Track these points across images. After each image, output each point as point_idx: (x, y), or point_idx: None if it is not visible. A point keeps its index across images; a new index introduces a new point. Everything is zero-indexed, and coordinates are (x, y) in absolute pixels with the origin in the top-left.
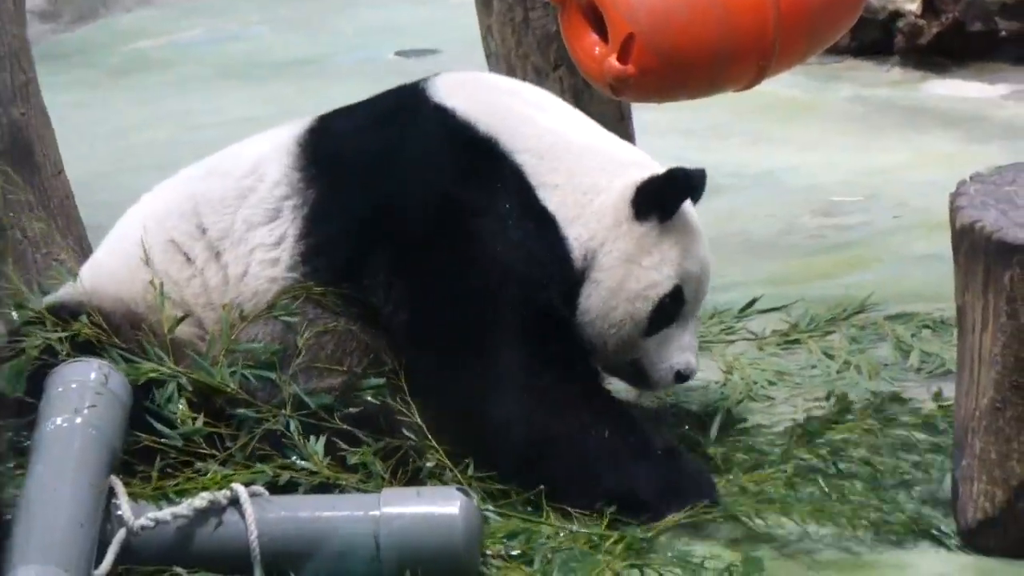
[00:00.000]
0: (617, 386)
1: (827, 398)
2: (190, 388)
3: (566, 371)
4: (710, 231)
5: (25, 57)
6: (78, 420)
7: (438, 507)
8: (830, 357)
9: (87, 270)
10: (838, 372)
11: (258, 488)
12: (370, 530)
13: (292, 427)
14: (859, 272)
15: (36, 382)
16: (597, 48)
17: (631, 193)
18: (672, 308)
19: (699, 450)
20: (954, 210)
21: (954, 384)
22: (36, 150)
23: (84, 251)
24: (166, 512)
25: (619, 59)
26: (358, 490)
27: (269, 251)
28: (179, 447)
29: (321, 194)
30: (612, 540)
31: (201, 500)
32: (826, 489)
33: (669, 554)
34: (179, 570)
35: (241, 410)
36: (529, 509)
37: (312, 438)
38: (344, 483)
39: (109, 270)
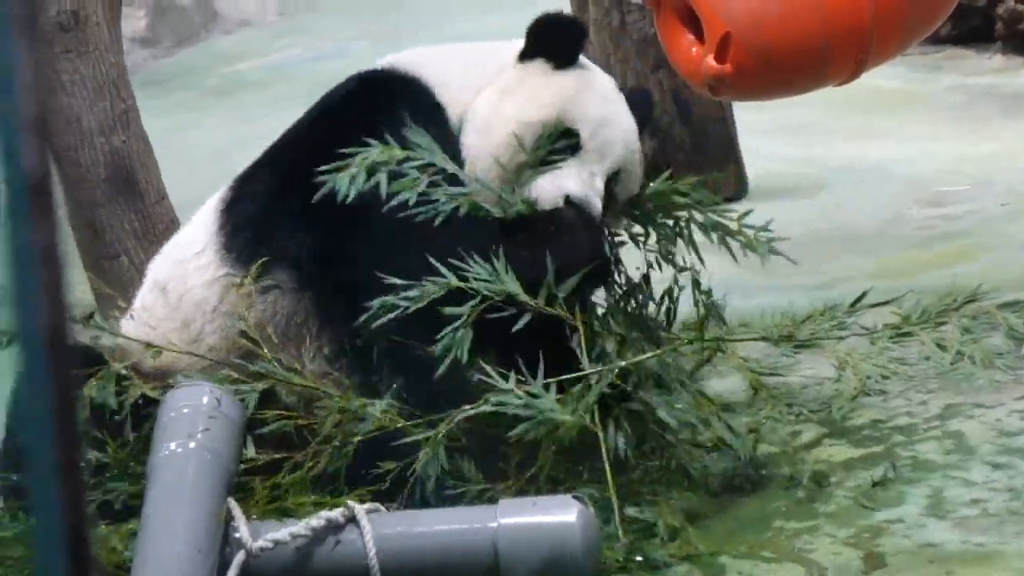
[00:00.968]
0: None
1: None
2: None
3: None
4: (818, 225)
5: (124, 85)
6: (192, 445)
7: (555, 516)
8: (943, 349)
9: None
10: (952, 364)
11: (374, 504)
12: (489, 543)
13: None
14: (968, 261)
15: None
16: (694, 49)
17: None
18: (562, 147)
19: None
20: None
21: None
22: (139, 177)
23: None
24: (284, 533)
25: (716, 59)
26: (470, 501)
27: (199, 262)
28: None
29: (236, 187)
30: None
31: (319, 519)
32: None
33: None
34: None
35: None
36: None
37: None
38: (461, 489)
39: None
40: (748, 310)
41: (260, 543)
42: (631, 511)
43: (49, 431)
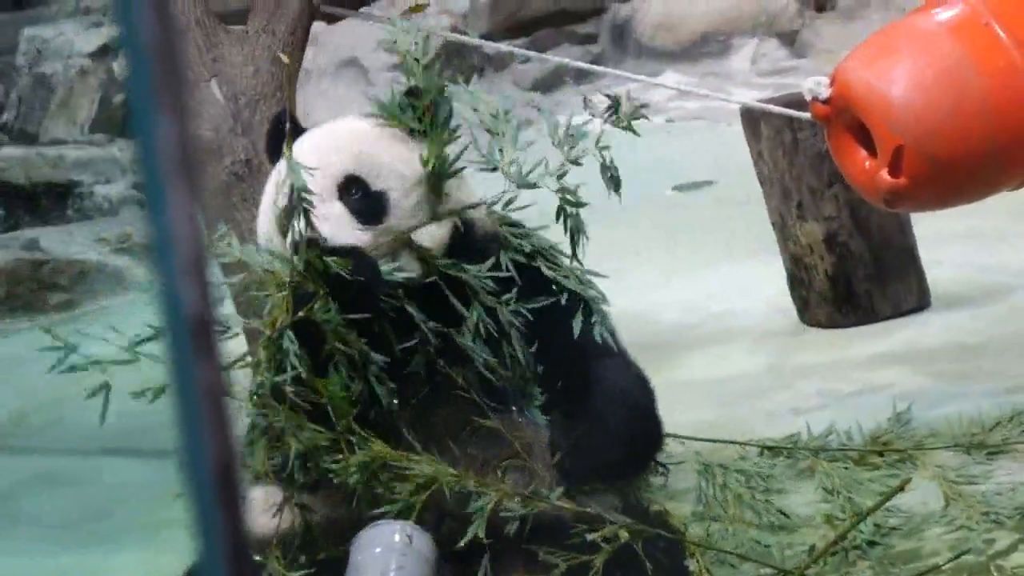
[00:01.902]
0: None
1: None
2: None
3: None
4: (1003, 331)
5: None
6: None
7: None
8: None
9: None
10: None
11: None
12: None
13: None
14: None
15: None
16: (867, 163)
17: None
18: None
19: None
20: None
21: None
22: None
23: None
24: None
25: (890, 172)
26: None
27: None
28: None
29: None
30: None
31: None
32: None
33: None
34: None
35: None
36: None
37: None
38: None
39: None
40: (936, 419)
41: None
42: None
43: (221, 571)
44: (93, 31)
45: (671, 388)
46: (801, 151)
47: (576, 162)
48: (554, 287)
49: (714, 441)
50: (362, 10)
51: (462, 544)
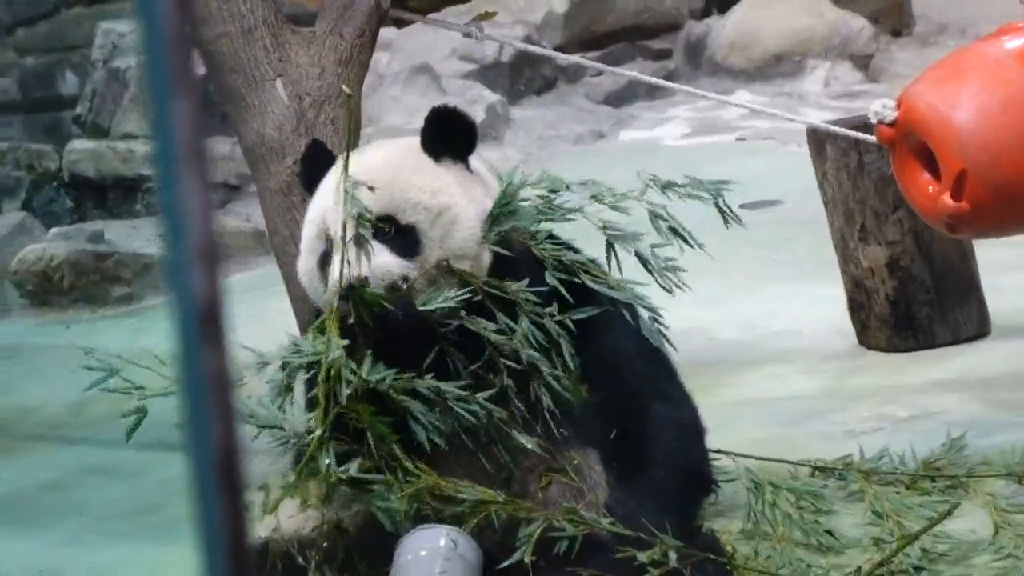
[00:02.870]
0: None
1: None
2: None
3: None
4: None
5: None
6: None
7: None
8: None
9: None
10: None
11: None
12: None
13: None
14: None
15: None
16: (930, 187)
17: None
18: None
19: None
20: None
21: None
22: None
23: None
24: None
25: (953, 197)
26: None
27: None
28: None
29: None
30: None
31: None
32: None
33: None
34: None
35: None
36: None
37: None
38: None
39: None
40: (990, 448)
41: None
42: None
43: (221, 562)
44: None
45: (727, 406)
46: (866, 174)
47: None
48: (602, 299)
49: (766, 459)
50: (432, 16)
51: (505, 565)
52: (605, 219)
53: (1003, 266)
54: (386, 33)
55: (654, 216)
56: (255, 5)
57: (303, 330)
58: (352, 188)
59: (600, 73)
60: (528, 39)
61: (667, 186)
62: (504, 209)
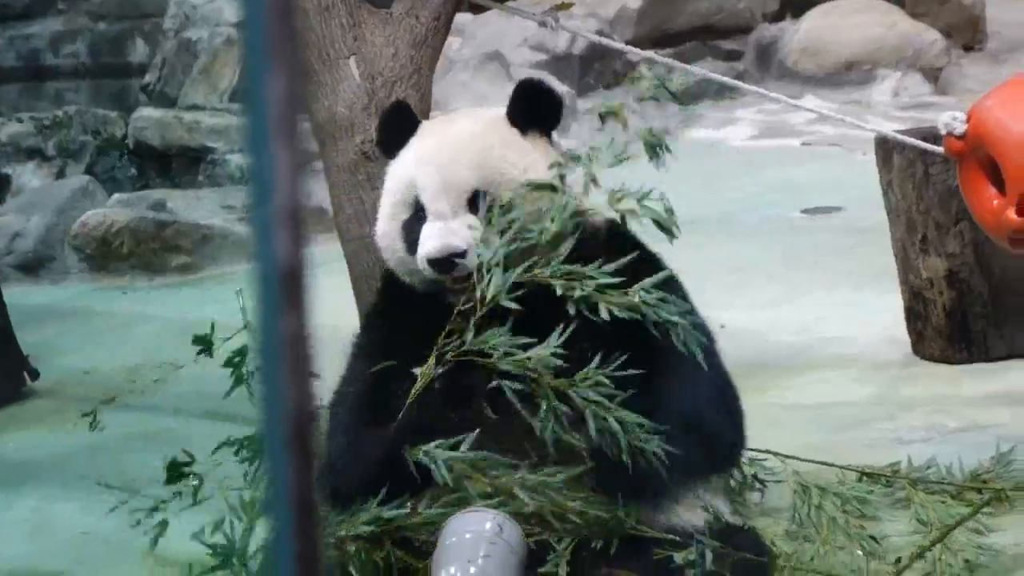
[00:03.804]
0: None
1: None
2: None
3: None
4: None
5: None
6: (472, 570)
7: None
8: None
9: None
10: None
11: None
12: None
13: None
14: None
15: None
16: (995, 201)
17: None
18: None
19: None
20: None
21: None
22: None
23: None
24: None
25: (1017, 212)
26: None
27: None
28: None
29: None
30: None
31: None
32: None
33: None
34: None
35: None
36: None
37: None
38: None
39: None
40: None
41: None
42: None
43: (289, 529)
44: (236, 4)
45: (778, 408)
46: (931, 185)
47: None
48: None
49: (814, 462)
50: (509, 3)
51: (540, 572)
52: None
53: None
54: (459, 18)
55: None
56: None
57: (362, 311)
58: (448, 158)
59: (671, 70)
60: (600, 33)
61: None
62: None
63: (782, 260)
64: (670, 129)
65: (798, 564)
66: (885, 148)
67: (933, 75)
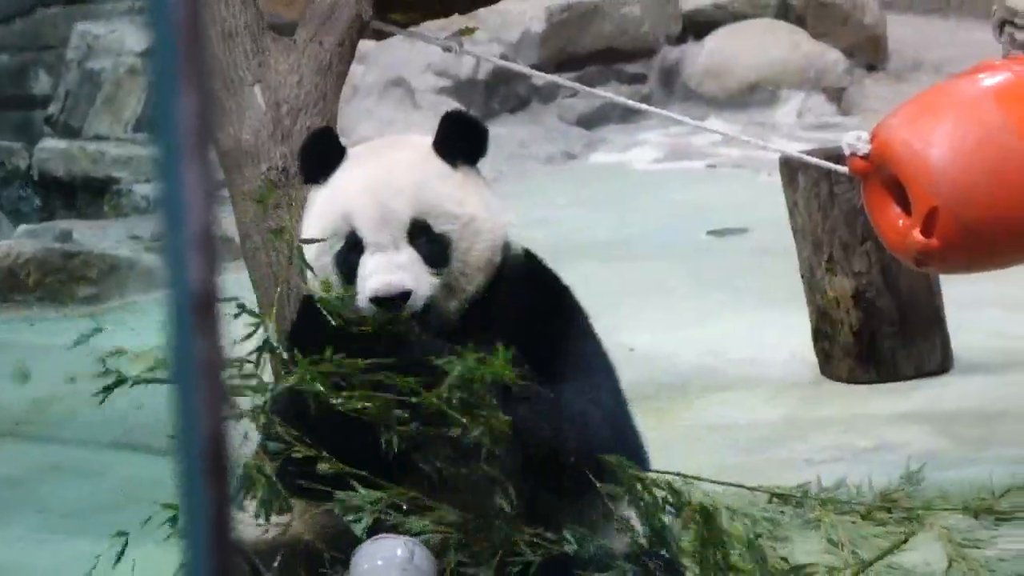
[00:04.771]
0: None
1: None
2: None
3: None
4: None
5: None
6: None
7: None
8: None
9: None
10: None
11: None
12: None
13: None
14: None
15: None
16: (901, 221)
17: None
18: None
19: None
20: None
21: None
22: None
23: None
24: None
25: (923, 232)
26: None
27: None
28: None
29: None
30: None
31: None
32: None
33: None
34: None
35: None
36: None
37: None
38: None
39: None
40: (948, 481)
41: None
42: None
43: (204, 551)
44: (145, 30)
45: (687, 430)
46: (836, 205)
47: None
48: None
49: (723, 484)
50: (412, 29)
51: None
52: None
53: (968, 302)
54: (363, 45)
55: None
56: (237, 9)
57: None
58: (386, 188)
59: (575, 94)
60: (504, 57)
61: None
62: None
63: (690, 282)
64: (575, 153)
65: None
66: (790, 169)
67: (836, 95)
